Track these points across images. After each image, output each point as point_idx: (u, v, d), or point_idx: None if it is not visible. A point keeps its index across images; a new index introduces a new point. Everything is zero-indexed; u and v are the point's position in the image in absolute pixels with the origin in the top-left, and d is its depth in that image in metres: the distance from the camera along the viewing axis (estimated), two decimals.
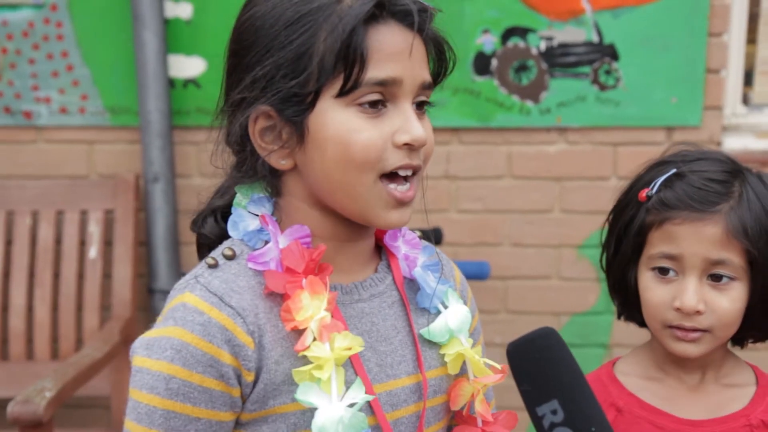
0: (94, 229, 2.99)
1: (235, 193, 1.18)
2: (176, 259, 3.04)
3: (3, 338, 3.00)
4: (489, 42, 2.94)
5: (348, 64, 1.06)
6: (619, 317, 1.49)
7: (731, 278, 1.32)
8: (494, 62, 2.95)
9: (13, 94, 3.02)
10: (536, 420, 1.11)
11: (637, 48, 2.93)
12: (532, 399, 1.12)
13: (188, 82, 2.99)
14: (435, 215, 3.04)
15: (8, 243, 3.01)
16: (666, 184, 1.35)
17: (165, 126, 2.95)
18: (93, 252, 2.98)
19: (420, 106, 1.14)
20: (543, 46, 2.94)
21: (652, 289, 1.35)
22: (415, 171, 1.13)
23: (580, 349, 3.13)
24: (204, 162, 2.97)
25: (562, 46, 2.94)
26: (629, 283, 1.40)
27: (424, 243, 1.30)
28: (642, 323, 1.45)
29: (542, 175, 3.04)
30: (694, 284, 1.31)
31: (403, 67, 1.09)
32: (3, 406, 2.22)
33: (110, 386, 2.83)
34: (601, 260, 1.48)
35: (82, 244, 3.00)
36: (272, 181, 1.16)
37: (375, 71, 1.07)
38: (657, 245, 1.34)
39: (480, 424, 1.24)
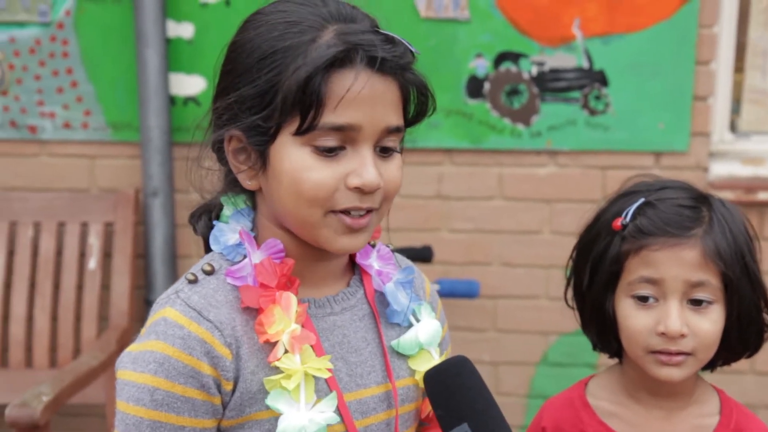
0: (94, 241, 3.05)
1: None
2: (173, 272, 3.10)
3: (3, 346, 3.06)
4: (482, 66, 3.02)
5: (304, 107, 1.09)
6: (594, 348, 1.50)
7: (710, 301, 1.35)
8: (487, 86, 3.03)
9: (19, 108, 3.10)
10: None
11: (626, 74, 3.00)
12: (445, 423, 1.17)
13: (188, 100, 3.07)
14: (426, 234, 3.10)
15: (10, 253, 3.07)
16: (638, 212, 1.38)
17: (165, 142, 3.02)
18: (92, 263, 3.04)
19: (386, 150, 1.16)
20: (534, 71, 3.01)
21: (633, 317, 1.37)
22: (369, 210, 1.15)
23: (567, 368, 3.18)
24: (202, 177, 3.02)
25: (553, 71, 3.02)
26: (607, 312, 1.41)
27: (399, 257, 1.35)
28: (616, 353, 1.48)
29: (532, 196, 3.10)
30: (676, 308, 1.33)
31: (363, 113, 1.10)
32: (2, 412, 2.27)
33: (106, 394, 2.87)
34: (565, 294, 1.50)
35: (82, 255, 3.06)
36: (249, 198, 1.22)
37: (332, 116, 1.09)
38: (636, 271, 1.36)
39: None
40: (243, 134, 1.15)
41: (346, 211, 1.14)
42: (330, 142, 1.11)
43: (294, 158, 1.11)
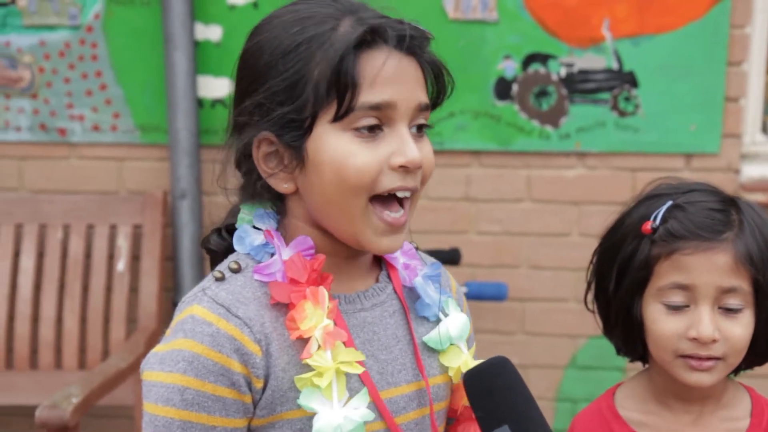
0: (123, 244, 3.06)
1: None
2: (201, 274, 3.10)
3: (33, 347, 3.08)
4: (510, 67, 3.00)
5: (340, 89, 1.09)
6: (618, 353, 1.48)
7: (741, 307, 1.33)
8: (515, 87, 3.01)
9: (48, 111, 3.12)
10: None
11: (656, 75, 2.97)
12: (485, 425, 1.16)
13: (216, 102, 3.08)
14: (454, 236, 3.09)
15: (40, 255, 3.09)
16: (668, 215, 1.35)
17: (193, 144, 3.03)
18: (121, 265, 3.06)
19: (419, 129, 1.17)
20: (563, 72, 2.99)
21: (662, 321, 1.34)
22: (412, 192, 1.16)
23: (596, 372, 3.15)
24: (229, 180, 3.02)
25: (582, 72, 2.99)
26: (634, 317, 1.38)
27: (423, 254, 1.34)
28: (641, 357, 1.45)
29: (561, 198, 3.08)
30: (708, 313, 1.31)
31: (397, 90, 1.12)
32: (32, 413, 2.29)
33: (134, 396, 2.88)
34: (586, 297, 1.48)
35: (111, 257, 3.08)
36: (276, 203, 1.21)
37: (368, 96, 1.10)
38: (667, 276, 1.34)
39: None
40: (274, 134, 1.14)
41: (389, 204, 1.14)
42: (370, 121, 1.12)
43: (335, 146, 1.11)
